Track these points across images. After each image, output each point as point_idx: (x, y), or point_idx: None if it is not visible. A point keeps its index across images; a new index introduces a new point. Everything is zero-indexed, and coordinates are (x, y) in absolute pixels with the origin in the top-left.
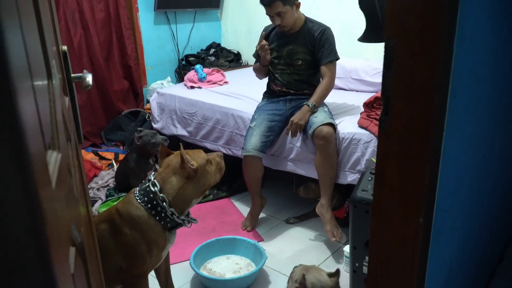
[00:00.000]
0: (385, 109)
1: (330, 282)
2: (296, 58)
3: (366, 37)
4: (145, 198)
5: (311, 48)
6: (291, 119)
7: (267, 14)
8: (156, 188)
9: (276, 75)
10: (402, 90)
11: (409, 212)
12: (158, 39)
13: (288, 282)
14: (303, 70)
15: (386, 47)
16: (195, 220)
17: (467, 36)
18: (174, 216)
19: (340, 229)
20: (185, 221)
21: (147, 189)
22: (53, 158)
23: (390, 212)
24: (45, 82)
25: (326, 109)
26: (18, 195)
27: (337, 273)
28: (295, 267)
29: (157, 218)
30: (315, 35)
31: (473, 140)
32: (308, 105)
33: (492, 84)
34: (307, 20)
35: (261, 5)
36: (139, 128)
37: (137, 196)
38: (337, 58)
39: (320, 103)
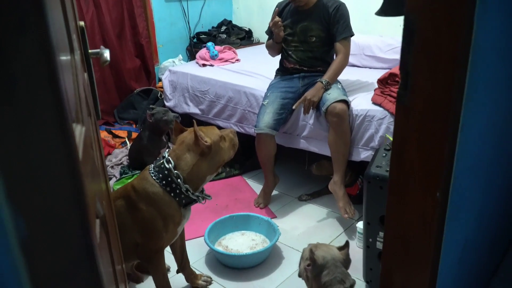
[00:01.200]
0: (403, 83)
1: (340, 254)
2: (310, 35)
3: (384, 11)
4: (160, 175)
5: (326, 24)
6: (305, 95)
7: None
8: (170, 165)
9: (290, 52)
10: (423, 64)
11: (427, 187)
12: (169, 16)
13: (299, 265)
14: (317, 47)
15: (406, 20)
16: (209, 196)
17: (490, 9)
18: (189, 192)
19: (352, 206)
20: (200, 198)
21: (162, 166)
22: (78, 132)
23: (407, 188)
24: (69, 57)
25: (339, 86)
26: (62, 167)
27: (346, 245)
28: (304, 248)
29: (172, 194)
30: (329, 11)
31: (492, 116)
32: (322, 82)
33: None
34: None
35: None
36: (151, 106)
37: (152, 173)
38: (352, 35)
39: (334, 80)
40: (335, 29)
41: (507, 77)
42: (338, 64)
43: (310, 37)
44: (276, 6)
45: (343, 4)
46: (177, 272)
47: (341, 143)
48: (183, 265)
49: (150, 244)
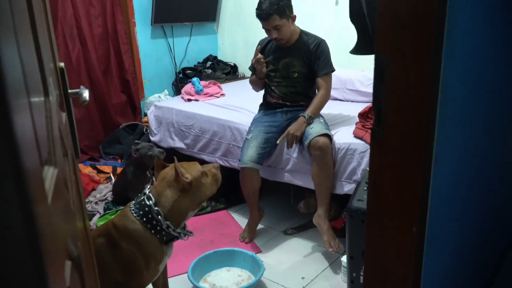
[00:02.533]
0: (377, 119)
1: None
2: (292, 70)
3: (358, 50)
4: (141, 212)
5: (307, 60)
6: (288, 130)
7: (263, 28)
8: (151, 201)
9: (273, 87)
10: (394, 101)
11: (403, 221)
12: (155, 52)
13: None
14: (299, 82)
15: (376, 60)
16: (191, 233)
17: (457, 47)
18: (170, 229)
19: (337, 240)
20: (181, 234)
21: (143, 202)
22: (50, 174)
23: (384, 222)
24: (42, 99)
25: (322, 120)
26: (15, 211)
27: None
28: None
29: (153, 231)
30: (310, 47)
31: (467, 148)
32: (304, 117)
33: (485, 93)
34: (302, 33)
35: (257, 18)
36: (136, 141)
37: (133, 209)
38: (333, 70)
39: (316, 115)
40: (316, 65)
41: (477, 110)
42: (320, 99)
43: (292, 73)
44: (259, 44)
45: (323, 41)
46: None
47: (324, 176)
48: None
49: (131, 283)
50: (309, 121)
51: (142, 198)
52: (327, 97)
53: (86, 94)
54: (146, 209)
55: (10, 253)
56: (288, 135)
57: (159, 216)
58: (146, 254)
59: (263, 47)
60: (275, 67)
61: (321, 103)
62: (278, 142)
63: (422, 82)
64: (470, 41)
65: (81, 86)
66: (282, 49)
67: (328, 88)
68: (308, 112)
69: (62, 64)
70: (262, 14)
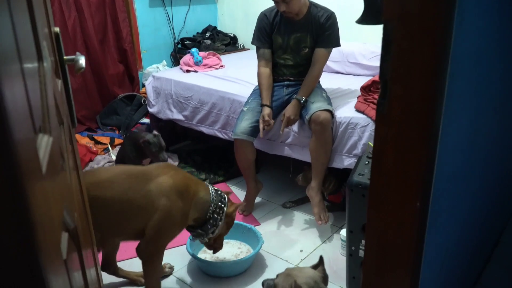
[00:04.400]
0: (383, 92)
1: (317, 273)
2: (303, 46)
3: (364, 19)
4: (215, 197)
5: (316, 32)
6: (285, 114)
7: (274, 1)
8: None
9: (279, 65)
10: (400, 73)
11: (406, 196)
12: (153, 22)
13: None
14: (308, 58)
15: (384, 30)
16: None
17: (467, 18)
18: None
19: (327, 213)
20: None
21: (219, 191)
22: (44, 142)
23: (387, 196)
24: (35, 64)
25: (324, 94)
26: (3, 181)
27: (321, 262)
28: (272, 280)
29: (208, 216)
30: (321, 20)
31: (472, 124)
32: (299, 100)
33: (491, 68)
34: (312, 4)
35: None
36: (154, 132)
37: (212, 190)
38: (338, 46)
39: (309, 94)
40: (322, 36)
41: (483, 84)
42: (313, 78)
43: (303, 48)
44: (262, 18)
45: (333, 14)
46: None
47: (322, 151)
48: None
49: (160, 241)
50: (303, 104)
51: (221, 192)
52: (320, 73)
53: (82, 61)
54: (219, 192)
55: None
56: (285, 118)
57: (220, 215)
58: (183, 223)
59: (271, 21)
60: (285, 43)
61: (314, 82)
62: (281, 132)
63: (432, 53)
64: (481, 11)
65: (77, 53)
66: (292, 23)
67: (323, 64)
68: (302, 94)
69: (57, 29)
70: None
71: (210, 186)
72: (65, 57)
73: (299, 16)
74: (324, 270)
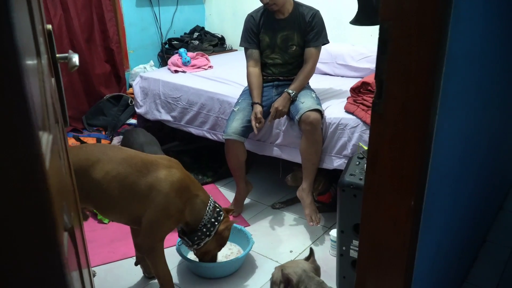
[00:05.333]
0: (378, 92)
1: (309, 264)
2: (291, 44)
3: (358, 20)
4: (215, 205)
5: (303, 32)
6: (274, 105)
7: None
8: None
9: (267, 65)
10: (397, 73)
11: (401, 195)
12: (140, 21)
13: None
14: (296, 56)
15: (381, 29)
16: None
17: (462, 18)
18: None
19: (319, 214)
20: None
21: (216, 206)
22: (45, 140)
23: (382, 195)
24: (35, 61)
25: (313, 95)
26: (30, 179)
27: (311, 254)
28: (273, 273)
29: (204, 221)
30: (306, 18)
31: (463, 123)
32: (289, 93)
33: (482, 67)
34: (297, 4)
35: None
36: None
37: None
38: (327, 42)
39: (300, 90)
40: (310, 35)
41: (477, 85)
42: (306, 74)
43: (291, 46)
44: (250, 19)
45: (318, 12)
46: (136, 264)
47: (312, 151)
48: (143, 257)
49: (157, 234)
50: (293, 98)
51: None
52: (313, 70)
53: (75, 59)
54: (217, 209)
55: (21, 222)
56: (275, 110)
57: (210, 230)
58: (179, 218)
59: (257, 22)
60: (272, 42)
61: (307, 78)
62: (269, 122)
63: (427, 52)
64: (476, 12)
65: (70, 51)
66: (278, 21)
67: (316, 61)
68: (293, 88)
69: (49, 27)
70: None
71: (211, 198)
72: (58, 55)
73: (284, 15)
74: (314, 261)
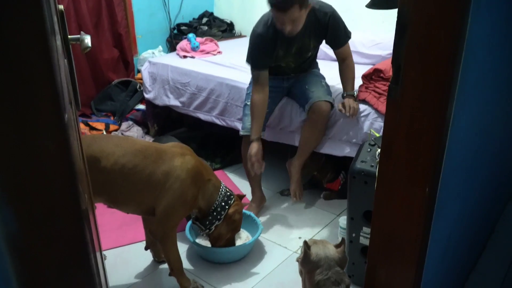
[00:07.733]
0: (395, 78)
1: (336, 252)
2: (306, 51)
3: (375, 4)
4: (227, 190)
5: (321, 34)
6: (348, 103)
7: (276, 19)
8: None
9: (281, 66)
10: (415, 58)
11: (416, 183)
12: (148, 7)
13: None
14: (310, 57)
15: (399, 13)
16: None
17: (483, 4)
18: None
19: (303, 192)
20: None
21: (228, 192)
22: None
23: (395, 183)
24: (58, 41)
25: (323, 83)
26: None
27: (342, 243)
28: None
29: (215, 205)
30: (323, 21)
31: (479, 113)
32: (352, 95)
33: (501, 58)
34: (313, 8)
35: (271, 7)
36: None
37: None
38: (350, 36)
39: (353, 86)
40: (336, 37)
41: (493, 73)
42: (352, 70)
43: (306, 53)
44: (259, 37)
45: (334, 11)
46: (146, 248)
47: (313, 138)
48: (153, 242)
49: (171, 220)
50: (356, 98)
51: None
52: (354, 64)
53: (88, 40)
54: (228, 193)
55: (51, 198)
56: (350, 107)
57: (220, 214)
58: (193, 205)
59: (269, 38)
60: (287, 54)
61: (354, 74)
62: (340, 109)
63: (448, 38)
64: (495, 1)
65: (82, 32)
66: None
67: (351, 55)
68: (350, 89)
69: (61, 7)
70: (282, 4)
71: (222, 184)
72: (69, 36)
73: (299, 28)
74: (343, 252)
